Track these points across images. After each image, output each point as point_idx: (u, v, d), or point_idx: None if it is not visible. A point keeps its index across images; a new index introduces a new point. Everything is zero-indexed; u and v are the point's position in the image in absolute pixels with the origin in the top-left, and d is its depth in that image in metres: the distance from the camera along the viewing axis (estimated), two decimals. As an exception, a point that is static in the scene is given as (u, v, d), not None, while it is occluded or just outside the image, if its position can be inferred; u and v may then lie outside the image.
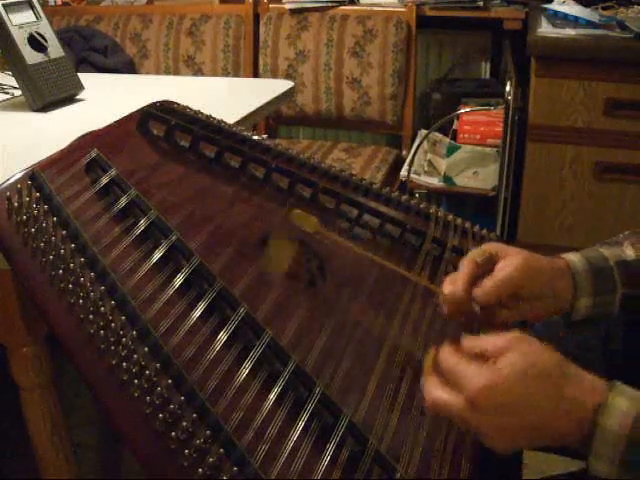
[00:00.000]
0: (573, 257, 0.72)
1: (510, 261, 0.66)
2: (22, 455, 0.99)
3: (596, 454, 0.52)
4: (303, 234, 0.75)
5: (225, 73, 2.34)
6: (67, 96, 1.30)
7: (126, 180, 0.69)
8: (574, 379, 0.53)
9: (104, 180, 0.69)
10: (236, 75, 2.34)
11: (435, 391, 0.55)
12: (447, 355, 0.56)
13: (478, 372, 0.53)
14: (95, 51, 2.24)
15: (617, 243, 0.74)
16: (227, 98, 1.41)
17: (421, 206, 0.87)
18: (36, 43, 1.26)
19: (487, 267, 0.67)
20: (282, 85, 1.44)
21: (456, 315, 0.67)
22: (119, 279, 0.60)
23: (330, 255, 0.75)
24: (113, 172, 0.69)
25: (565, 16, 1.79)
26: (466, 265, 0.67)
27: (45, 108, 1.26)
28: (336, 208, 0.81)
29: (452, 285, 0.66)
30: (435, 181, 2.02)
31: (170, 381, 0.54)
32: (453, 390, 0.54)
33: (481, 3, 2.13)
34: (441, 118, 2.03)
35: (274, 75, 2.31)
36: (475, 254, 0.67)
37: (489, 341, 0.56)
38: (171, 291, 0.61)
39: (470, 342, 0.57)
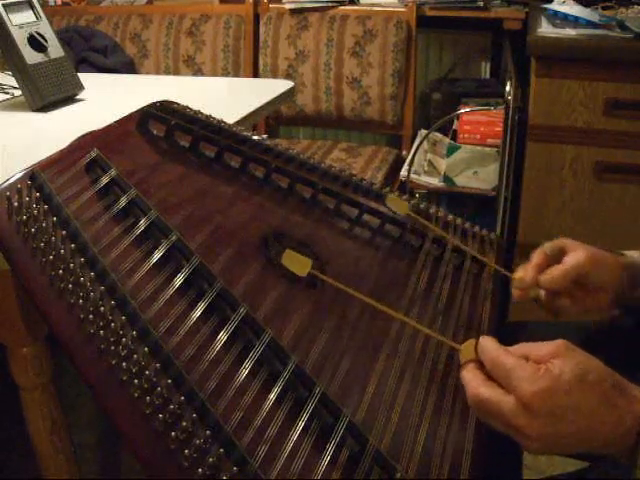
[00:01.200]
0: (634, 253, 0.77)
1: (578, 252, 0.72)
2: (22, 455, 0.99)
3: None
4: (303, 234, 0.75)
5: (225, 73, 2.35)
6: (67, 96, 1.30)
7: (126, 180, 0.69)
8: (624, 389, 0.53)
9: (104, 180, 0.69)
10: (236, 75, 2.34)
11: (481, 387, 0.54)
12: (493, 348, 0.55)
13: (534, 374, 0.52)
14: (95, 51, 2.24)
15: None
16: (227, 98, 1.41)
17: (421, 206, 0.87)
18: (36, 43, 1.26)
19: (556, 258, 0.73)
20: (282, 85, 1.44)
21: (523, 299, 0.73)
22: (119, 279, 0.60)
23: (330, 255, 0.75)
24: (113, 172, 0.69)
25: (565, 16, 1.79)
26: (536, 255, 0.74)
27: (45, 108, 1.26)
28: (336, 208, 0.81)
29: (522, 272, 0.73)
30: (435, 181, 2.03)
31: (170, 381, 0.54)
32: (502, 389, 0.53)
33: (481, 3, 2.13)
34: (441, 118, 2.03)
35: (274, 75, 2.31)
36: (546, 246, 0.74)
37: (532, 348, 0.55)
38: (171, 291, 0.61)
39: (512, 348, 0.56)
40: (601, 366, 0.54)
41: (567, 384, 0.52)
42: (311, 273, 0.65)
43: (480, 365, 0.56)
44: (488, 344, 0.56)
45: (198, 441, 0.51)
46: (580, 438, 0.53)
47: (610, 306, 0.75)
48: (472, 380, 0.55)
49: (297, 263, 0.66)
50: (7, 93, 1.40)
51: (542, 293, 0.74)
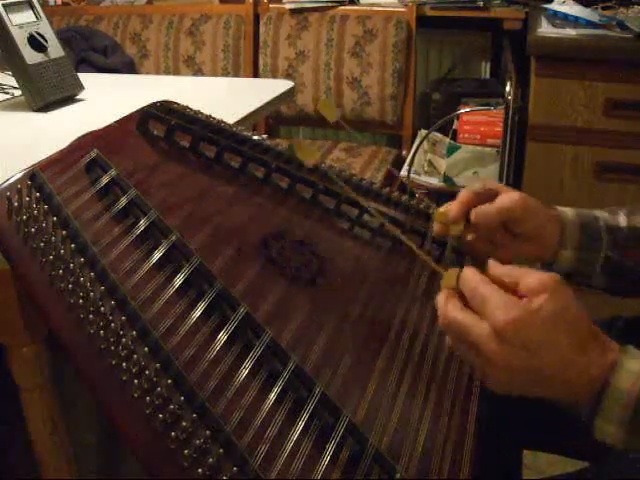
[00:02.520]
0: (567, 209, 0.75)
1: (511, 195, 0.70)
2: (22, 455, 0.99)
3: (605, 415, 0.52)
4: (303, 234, 0.75)
5: (225, 73, 2.35)
6: (67, 96, 1.30)
7: (126, 180, 0.69)
8: (598, 337, 0.53)
9: (104, 180, 0.69)
10: (236, 75, 2.34)
11: (455, 311, 0.53)
12: (474, 275, 0.54)
13: (511, 304, 0.51)
14: (95, 51, 2.24)
15: (613, 212, 0.76)
16: (227, 98, 1.41)
17: (421, 206, 0.87)
18: (36, 43, 1.26)
19: (486, 199, 0.70)
20: (282, 85, 1.44)
21: (444, 234, 0.71)
22: (119, 279, 0.60)
23: (330, 255, 0.75)
24: (113, 172, 0.69)
25: (565, 16, 1.79)
26: (464, 193, 0.70)
27: (45, 108, 1.26)
28: (336, 208, 0.81)
29: (446, 207, 0.70)
30: (435, 181, 2.03)
31: (170, 381, 0.54)
32: (476, 314, 0.52)
33: (481, 3, 2.13)
34: (441, 118, 2.03)
35: (274, 75, 2.31)
36: (475, 186, 0.71)
37: (524, 275, 0.54)
38: (171, 291, 0.61)
39: (501, 269, 0.55)
40: (582, 310, 0.53)
41: (543, 319, 0.51)
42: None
43: (460, 295, 0.55)
44: (469, 273, 0.55)
45: (198, 441, 0.51)
46: (545, 377, 0.52)
47: (537, 259, 0.73)
48: (447, 304, 0.54)
49: (306, 152, 0.64)
50: (7, 93, 1.40)
51: (465, 233, 0.70)
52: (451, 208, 0.70)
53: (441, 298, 0.55)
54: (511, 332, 0.50)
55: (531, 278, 0.53)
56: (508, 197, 0.70)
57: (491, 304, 0.52)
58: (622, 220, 0.74)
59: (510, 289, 0.53)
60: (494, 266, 0.56)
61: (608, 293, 0.76)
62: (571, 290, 0.54)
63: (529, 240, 0.71)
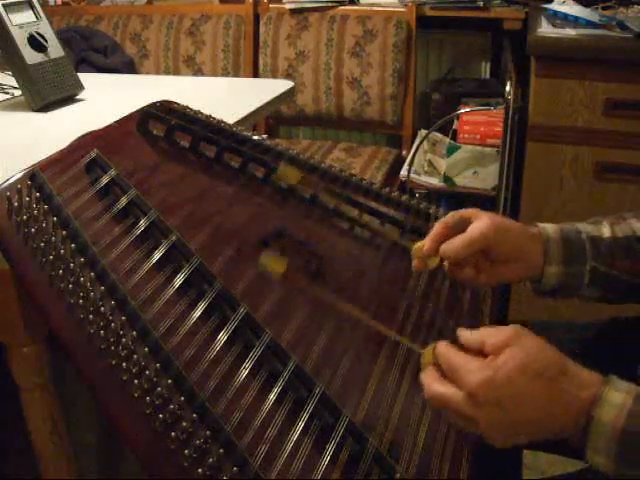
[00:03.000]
0: (547, 226, 0.75)
1: (481, 221, 0.69)
2: (22, 455, 0.99)
3: (593, 447, 0.53)
4: (303, 234, 0.75)
5: (225, 73, 2.34)
6: (67, 96, 1.30)
7: (126, 180, 0.69)
8: (572, 374, 0.54)
9: (104, 180, 0.69)
10: (236, 75, 2.34)
11: (434, 384, 0.56)
12: (445, 349, 0.58)
13: (478, 366, 0.54)
14: (95, 51, 2.24)
15: (597, 222, 0.76)
16: (227, 98, 1.41)
17: (421, 206, 0.87)
18: (36, 43, 1.25)
19: (460, 228, 0.70)
20: (282, 85, 1.44)
21: (422, 269, 0.71)
22: (119, 279, 0.60)
23: (330, 255, 0.75)
24: (113, 172, 0.69)
25: (565, 16, 1.79)
26: (437, 225, 0.70)
27: (45, 108, 1.26)
28: (336, 208, 0.81)
29: (421, 242, 0.70)
30: (435, 181, 2.02)
31: (170, 381, 0.54)
32: (453, 384, 0.55)
33: (481, 3, 2.13)
34: (441, 118, 2.03)
35: (274, 75, 2.31)
36: (447, 217, 0.71)
37: (488, 336, 0.57)
38: (171, 291, 0.61)
39: (467, 336, 0.58)
40: (550, 353, 0.55)
41: (509, 373, 0.53)
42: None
43: (439, 367, 0.58)
44: (442, 347, 0.58)
45: (198, 441, 0.51)
46: (532, 425, 0.54)
47: (525, 279, 0.74)
48: (427, 378, 0.57)
49: (273, 262, 0.66)
50: (7, 93, 1.40)
51: (445, 263, 0.71)
52: (425, 243, 0.70)
53: (423, 375, 0.59)
54: (483, 393, 0.53)
55: (493, 336, 0.56)
56: (478, 226, 0.69)
57: (462, 371, 0.55)
58: (606, 231, 0.74)
59: (478, 351, 0.56)
60: (462, 333, 0.59)
61: (603, 302, 0.76)
62: (534, 336, 0.56)
63: (512, 261, 0.71)
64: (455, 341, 0.58)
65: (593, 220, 0.76)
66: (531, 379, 0.53)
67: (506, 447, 0.55)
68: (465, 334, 0.58)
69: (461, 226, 0.70)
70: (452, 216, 0.71)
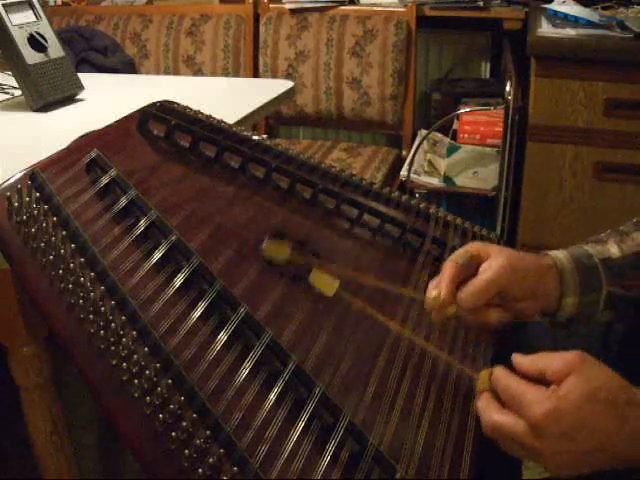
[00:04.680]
0: (559, 254, 0.70)
1: (493, 262, 0.65)
2: (22, 455, 0.99)
3: None
4: (303, 234, 0.75)
5: (225, 73, 2.35)
6: (67, 96, 1.30)
7: (126, 180, 0.69)
8: (637, 402, 0.53)
9: (104, 180, 0.69)
10: (236, 75, 2.34)
11: (493, 415, 0.55)
12: (504, 376, 0.56)
13: (542, 396, 0.53)
14: (95, 51, 2.24)
15: (601, 241, 0.73)
16: (227, 98, 1.41)
17: (421, 206, 0.87)
18: (36, 43, 1.25)
19: (470, 268, 0.66)
20: (282, 85, 1.44)
21: (443, 318, 0.66)
22: (119, 279, 0.60)
23: (330, 255, 0.75)
24: (113, 172, 0.69)
25: (565, 16, 1.79)
26: (448, 268, 0.65)
27: (45, 108, 1.26)
28: (336, 208, 0.81)
29: (435, 290, 0.65)
30: (435, 181, 2.03)
31: (170, 381, 0.54)
32: (514, 414, 0.54)
33: (481, 3, 2.13)
34: (441, 118, 2.04)
35: (274, 75, 2.31)
36: (457, 256, 0.66)
37: (548, 363, 0.55)
38: (171, 291, 0.61)
39: (526, 362, 0.57)
40: (614, 380, 0.54)
41: (575, 402, 0.52)
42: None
43: (495, 394, 0.57)
44: (501, 373, 0.57)
45: (198, 441, 0.51)
46: (594, 456, 0.53)
47: (539, 312, 0.70)
48: (486, 409, 0.56)
49: (325, 283, 0.65)
50: (7, 93, 1.40)
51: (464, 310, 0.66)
52: (442, 291, 0.64)
53: (480, 404, 0.57)
54: (547, 425, 0.52)
55: (556, 363, 0.54)
56: (492, 267, 0.65)
57: (524, 402, 0.53)
58: (614, 251, 0.71)
59: (538, 379, 0.55)
60: (519, 360, 0.57)
61: (616, 322, 0.74)
62: (597, 362, 0.54)
63: (528, 299, 0.68)
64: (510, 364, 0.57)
65: (595, 239, 0.74)
66: (597, 408, 0.52)
67: (570, 476, 0.54)
68: (523, 361, 0.57)
69: (473, 265, 0.66)
70: (460, 255, 0.66)
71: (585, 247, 0.72)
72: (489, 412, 0.56)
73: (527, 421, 0.53)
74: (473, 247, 0.68)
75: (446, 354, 0.67)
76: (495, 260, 0.65)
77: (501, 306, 0.67)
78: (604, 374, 0.54)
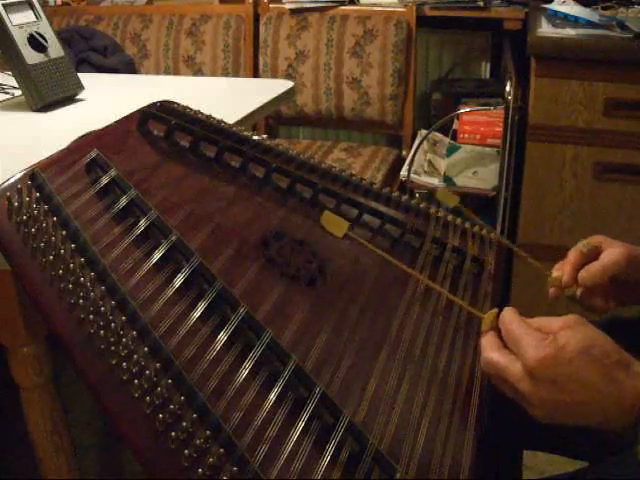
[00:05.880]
0: None
1: (615, 250, 0.72)
2: (22, 455, 0.99)
3: None
4: (303, 234, 0.75)
5: (225, 73, 2.35)
6: (67, 96, 1.30)
7: (126, 180, 0.69)
8: (627, 365, 0.55)
9: (104, 180, 0.69)
10: (236, 75, 2.34)
11: (493, 352, 0.58)
12: (510, 317, 0.59)
13: (540, 342, 0.55)
14: (95, 51, 2.24)
15: None
16: (227, 98, 1.41)
17: (421, 206, 0.87)
18: (36, 43, 1.26)
19: (592, 256, 0.73)
20: (282, 85, 1.44)
21: (559, 297, 0.74)
22: (119, 279, 0.60)
23: (330, 255, 0.75)
24: (113, 172, 0.69)
25: (565, 16, 1.79)
26: (572, 254, 0.74)
27: (45, 108, 1.26)
28: (336, 208, 0.81)
29: (559, 272, 0.74)
30: (435, 181, 2.02)
31: (170, 381, 0.54)
32: (512, 355, 0.57)
33: (481, 3, 2.13)
34: (441, 118, 2.04)
35: (274, 75, 2.31)
36: (581, 245, 0.74)
37: (546, 319, 0.58)
38: (171, 291, 0.61)
39: (529, 320, 0.59)
40: (608, 342, 0.56)
41: (570, 354, 0.54)
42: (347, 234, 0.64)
43: (499, 334, 0.60)
44: (507, 314, 0.60)
45: (198, 441, 0.51)
46: (581, 409, 0.55)
47: None
48: (487, 345, 0.59)
49: (334, 224, 0.65)
50: (7, 93, 1.40)
51: (578, 291, 0.75)
52: (563, 272, 0.74)
53: (483, 340, 0.60)
54: (541, 370, 0.54)
55: (552, 321, 0.58)
56: (611, 254, 0.72)
57: (523, 343, 0.56)
58: None
59: (542, 332, 0.57)
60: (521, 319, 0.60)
61: None
62: (592, 325, 0.57)
63: (638, 287, 0.73)
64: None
65: None
66: (590, 363, 0.54)
67: (548, 423, 0.56)
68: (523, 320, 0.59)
69: (594, 255, 0.73)
70: (584, 245, 0.74)
71: None
72: (489, 349, 0.59)
73: (523, 363, 0.55)
74: (596, 239, 0.75)
75: (446, 354, 0.67)
76: (615, 249, 0.73)
77: (615, 295, 0.74)
78: (599, 335, 0.56)
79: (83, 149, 0.72)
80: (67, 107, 1.29)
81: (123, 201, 0.67)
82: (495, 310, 0.61)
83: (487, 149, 1.95)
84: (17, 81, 1.27)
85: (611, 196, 1.71)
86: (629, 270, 0.72)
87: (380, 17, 2.22)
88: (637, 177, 1.68)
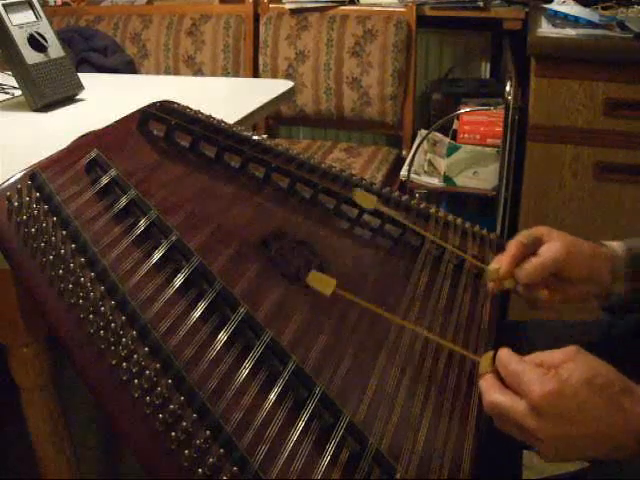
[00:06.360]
0: (614, 244, 0.75)
1: (554, 244, 0.71)
2: (22, 455, 0.99)
3: None
4: (303, 234, 0.75)
5: (225, 73, 2.34)
6: (67, 96, 1.30)
7: (126, 180, 0.69)
8: (632, 392, 0.54)
9: (104, 180, 0.69)
10: (236, 75, 2.34)
11: (495, 394, 0.56)
12: (508, 357, 0.57)
13: (542, 378, 0.54)
14: (95, 51, 2.24)
15: None
16: (227, 98, 1.41)
17: (421, 206, 0.87)
18: (36, 43, 1.25)
19: (533, 248, 0.71)
20: (282, 85, 1.44)
21: (498, 290, 0.73)
22: (119, 279, 0.60)
23: (330, 255, 0.75)
24: (113, 172, 0.69)
25: (565, 16, 1.79)
26: (512, 245, 0.72)
27: (45, 108, 1.26)
28: (336, 208, 0.81)
29: (497, 264, 0.72)
30: (435, 181, 2.02)
31: (170, 381, 0.54)
32: (514, 394, 0.55)
33: (481, 3, 2.13)
34: (441, 118, 2.03)
35: (274, 75, 2.31)
36: (521, 236, 0.72)
37: (546, 353, 0.57)
38: (171, 291, 0.61)
39: (527, 357, 0.58)
40: (610, 370, 0.55)
41: (574, 386, 0.53)
42: (336, 293, 0.63)
43: (497, 376, 0.58)
44: (503, 354, 0.58)
45: (198, 441, 0.51)
46: (590, 441, 0.53)
47: (592, 297, 0.74)
48: (487, 388, 0.57)
49: (322, 283, 0.64)
50: (7, 93, 1.40)
51: (519, 285, 0.73)
52: (501, 264, 0.71)
53: (482, 383, 0.58)
54: (546, 404, 0.53)
55: (552, 354, 0.56)
56: (551, 249, 0.71)
57: (525, 380, 0.54)
58: None
59: (542, 366, 0.56)
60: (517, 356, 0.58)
61: None
62: (593, 356, 0.56)
63: (581, 282, 0.72)
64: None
65: None
66: (595, 393, 0.53)
67: (559, 461, 0.54)
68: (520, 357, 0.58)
69: (535, 245, 0.71)
70: (525, 236, 0.72)
71: None
72: (490, 391, 0.57)
73: (527, 401, 0.53)
74: (538, 230, 0.73)
75: (446, 354, 0.67)
76: (555, 243, 0.71)
77: (557, 289, 0.72)
78: (600, 364, 0.55)
79: (83, 149, 0.72)
80: (67, 107, 1.29)
81: (123, 201, 0.67)
82: (491, 353, 0.59)
83: (487, 149, 1.95)
84: (17, 81, 1.27)
85: (611, 196, 1.70)
86: (570, 265, 0.70)
87: (380, 17, 2.22)
88: (637, 177, 1.68)
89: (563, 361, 0.55)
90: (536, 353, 0.58)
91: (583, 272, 0.71)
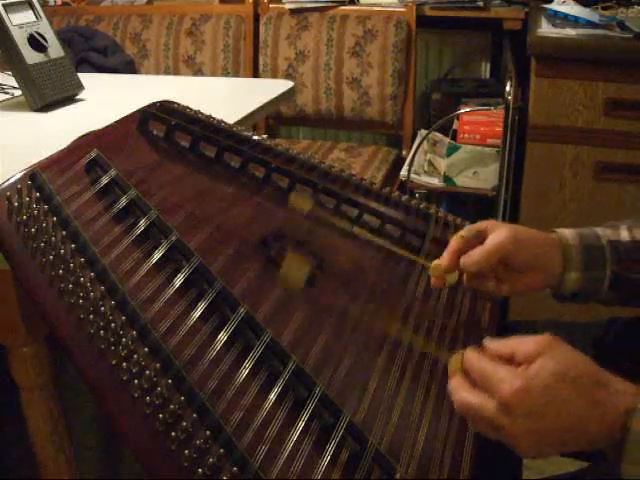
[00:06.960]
0: (566, 232, 0.74)
1: (499, 232, 0.69)
2: (22, 455, 0.99)
3: (629, 459, 0.52)
4: (303, 234, 0.75)
5: (225, 73, 2.34)
6: (67, 96, 1.30)
7: (126, 180, 0.69)
8: (606, 384, 0.53)
9: (104, 180, 0.69)
10: (236, 75, 2.34)
11: (464, 394, 0.55)
12: (475, 357, 0.57)
13: (511, 375, 0.53)
14: (95, 51, 2.24)
15: (614, 226, 0.76)
16: (227, 98, 1.41)
17: (421, 206, 0.87)
18: (36, 43, 1.25)
19: (476, 241, 0.70)
20: (282, 85, 1.44)
21: (441, 286, 0.71)
22: (119, 279, 0.60)
23: (330, 255, 0.75)
24: (113, 172, 0.69)
25: (565, 16, 1.79)
26: (453, 240, 0.70)
27: (45, 108, 1.26)
28: (336, 208, 0.81)
29: (438, 259, 0.70)
30: (435, 181, 2.02)
31: (170, 381, 0.54)
32: (484, 393, 0.54)
33: (481, 3, 2.13)
34: (441, 118, 2.03)
35: (274, 75, 2.31)
36: (463, 230, 0.71)
37: (518, 344, 0.55)
38: (171, 291, 0.61)
39: (497, 345, 0.57)
40: (584, 362, 0.54)
41: (544, 381, 0.52)
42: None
43: (466, 375, 0.57)
44: (469, 354, 0.57)
45: (198, 441, 0.51)
46: (565, 436, 0.53)
47: (544, 286, 0.73)
48: (457, 389, 0.56)
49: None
50: (7, 93, 1.40)
51: (463, 278, 0.71)
52: (442, 260, 0.70)
53: (452, 383, 0.57)
54: (517, 403, 0.52)
55: (525, 344, 0.55)
56: (495, 238, 0.69)
57: (494, 380, 0.54)
58: (624, 234, 0.74)
59: (508, 360, 0.55)
60: (489, 343, 0.58)
61: (620, 305, 0.76)
62: (567, 345, 0.55)
63: (531, 270, 0.71)
64: (482, 346, 0.57)
65: (610, 224, 0.76)
66: (565, 388, 0.52)
67: (535, 458, 0.54)
68: (494, 343, 0.57)
69: (478, 239, 0.70)
70: (468, 230, 0.71)
71: (595, 229, 0.76)
72: (460, 392, 0.56)
73: (497, 400, 0.53)
74: (482, 224, 0.72)
75: (446, 355, 0.67)
76: (499, 232, 0.70)
77: (506, 279, 0.71)
78: (574, 356, 0.54)
79: (83, 149, 0.72)
80: (67, 107, 1.29)
81: (123, 201, 0.67)
82: (460, 352, 0.58)
83: (487, 149, 1.95)
84: (17, 81, 1.27)
85: (611, 196, 1.70)
86: (516, 253, 0.69)
87: (380, 17, 2.22)
88: (637, 177, 1.68)
89: (535, 354, 0.54)
90: (509, 339, 0.57)
91: (531, 260, 0.70)
